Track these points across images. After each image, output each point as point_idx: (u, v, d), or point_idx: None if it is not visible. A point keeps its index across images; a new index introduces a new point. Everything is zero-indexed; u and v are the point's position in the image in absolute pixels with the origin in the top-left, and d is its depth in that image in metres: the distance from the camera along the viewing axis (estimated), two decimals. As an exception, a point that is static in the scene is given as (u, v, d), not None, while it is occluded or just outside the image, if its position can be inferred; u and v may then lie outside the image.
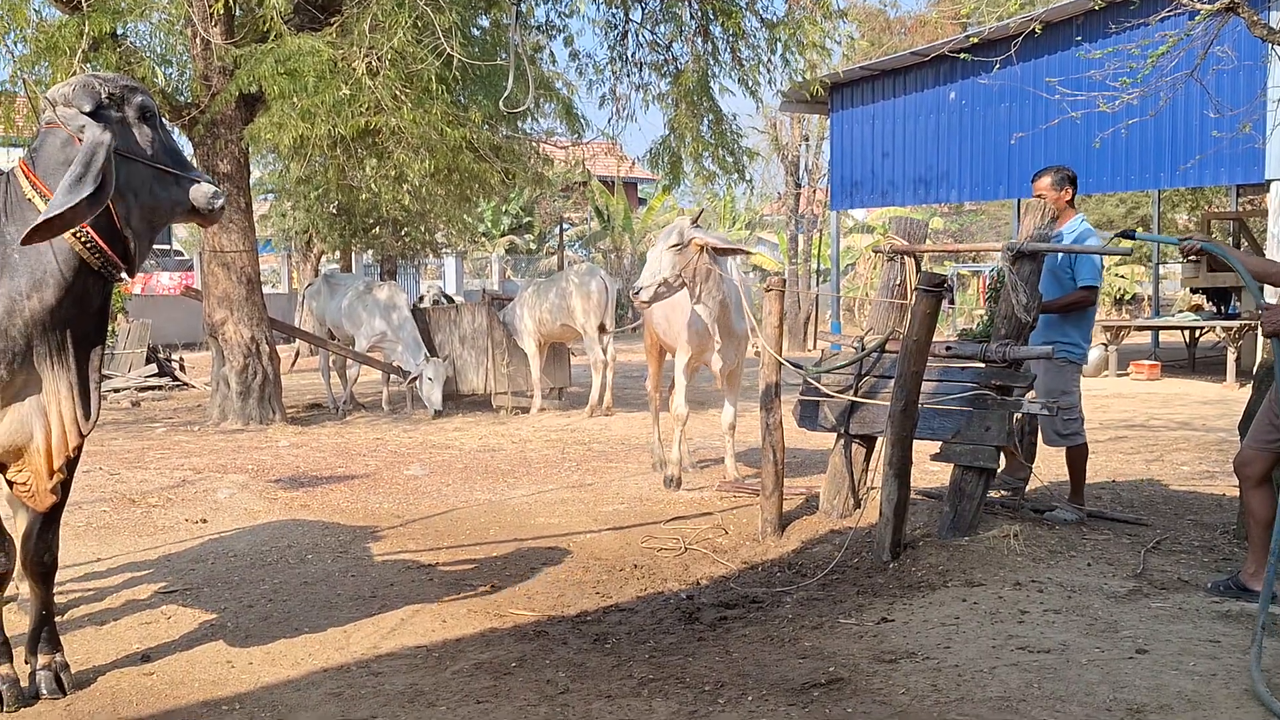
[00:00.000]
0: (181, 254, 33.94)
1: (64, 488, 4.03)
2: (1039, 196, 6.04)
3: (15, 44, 9.66)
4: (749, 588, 5.25)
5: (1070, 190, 6.16)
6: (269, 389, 11.50)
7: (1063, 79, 8.78)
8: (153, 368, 15.75)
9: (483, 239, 28.64)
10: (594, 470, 8.41)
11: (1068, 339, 6.04)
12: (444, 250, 25.85)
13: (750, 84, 11.83)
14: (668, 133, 11.97)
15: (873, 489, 5.95)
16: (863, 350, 6.01)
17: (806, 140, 25.32)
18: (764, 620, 4.68)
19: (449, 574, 5.62)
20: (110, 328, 17.02)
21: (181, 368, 16.36)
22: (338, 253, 23.31)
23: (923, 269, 6.19)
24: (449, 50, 8.59)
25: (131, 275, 3.99)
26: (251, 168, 12.42)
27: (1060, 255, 5.98)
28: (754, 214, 33.38)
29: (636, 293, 7.11)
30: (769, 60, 11.76)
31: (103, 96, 3.75)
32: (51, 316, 3.77)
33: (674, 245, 7.02)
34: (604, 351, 11.79)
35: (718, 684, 3.90)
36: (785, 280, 6.25)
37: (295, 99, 9.45)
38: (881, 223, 25.60)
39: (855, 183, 18.28)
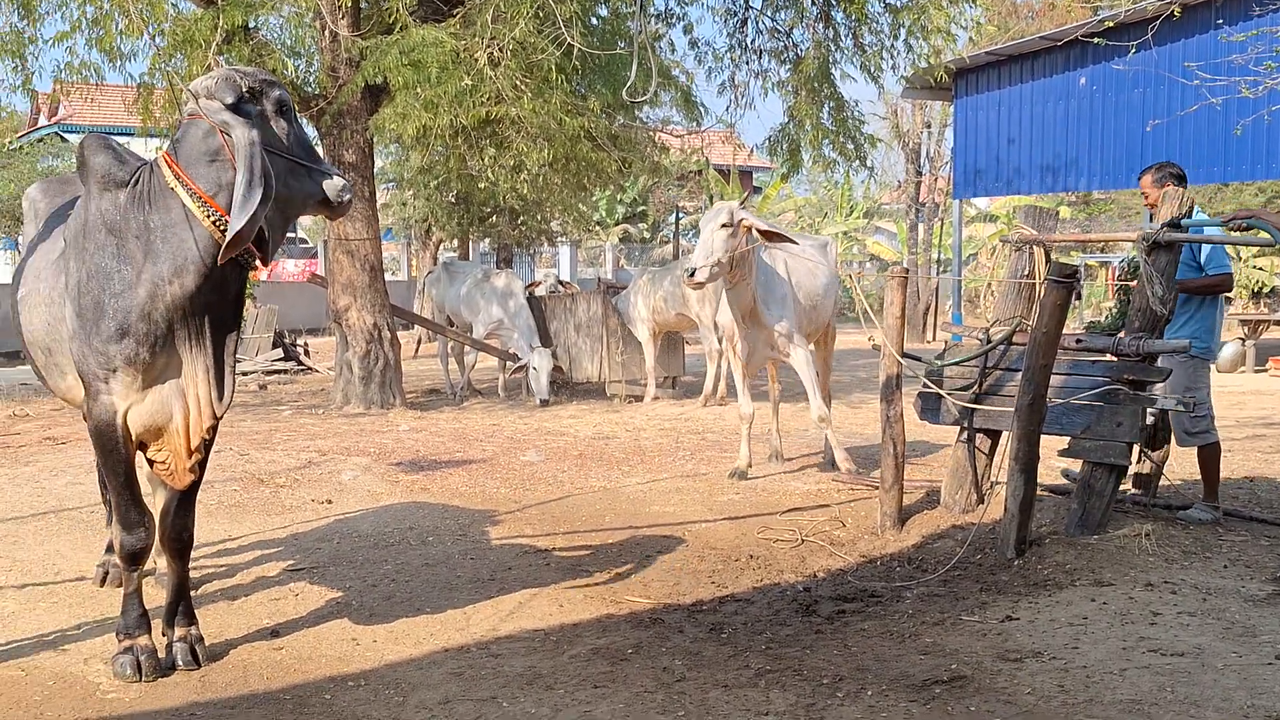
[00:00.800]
0: (306, 242, 34.90)
1: (200, 466, 4.17)
2: (1144, 194, 6.02)
3: (154, 37, 9.99)
4: (867, 582, 5.18)
5: (1171, 185, 5.82)
6: (390, 374, 11.74)
7: (1202, 64, 8.44)
8: (279, 352, 16.23)
9: (597, 228, 28.81)
10: (708, 460, 8.39)
11: (1194, 336, 5.78)
12: (559, 239, 26.08)
13: (873, 70, 11.64)
14: (787, 120, 11.86)
15: (997, 484, 5.81)
16: (988, 342, 5.87)
17: (928, 127, 24.85)
18: (883, 615, 4.62)
19: (565, 559, 5.67)
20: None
21: (306, 352, 16.82)
22: (455, 241, 23.68)
23: (1052, 259, 6.01)
24: (569, 40, 8.62)
25: (265, 264, 4.10)
26: (374, 157, 12.68)
27: (1186, 245, 5.67)
28: (872, 202, 32.92)
29: (691, 274, 7.09)
30: (892, 45, 11.56)
31: (244, 90, 3.87)
32: (191, 301, 3.90)
33: (724, 225, 7.03)
34: (719, 341, 11.74)
35: (836, 677, 3.86)
36: (908, 270, 6.12)
37: (419, 89, 9.61)
38: (1005, 211, 25.00)
39: (979, 170, 17.87)
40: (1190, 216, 5.45)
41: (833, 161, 12.24)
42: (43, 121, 31.91)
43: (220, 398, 4.06)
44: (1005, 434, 5.58)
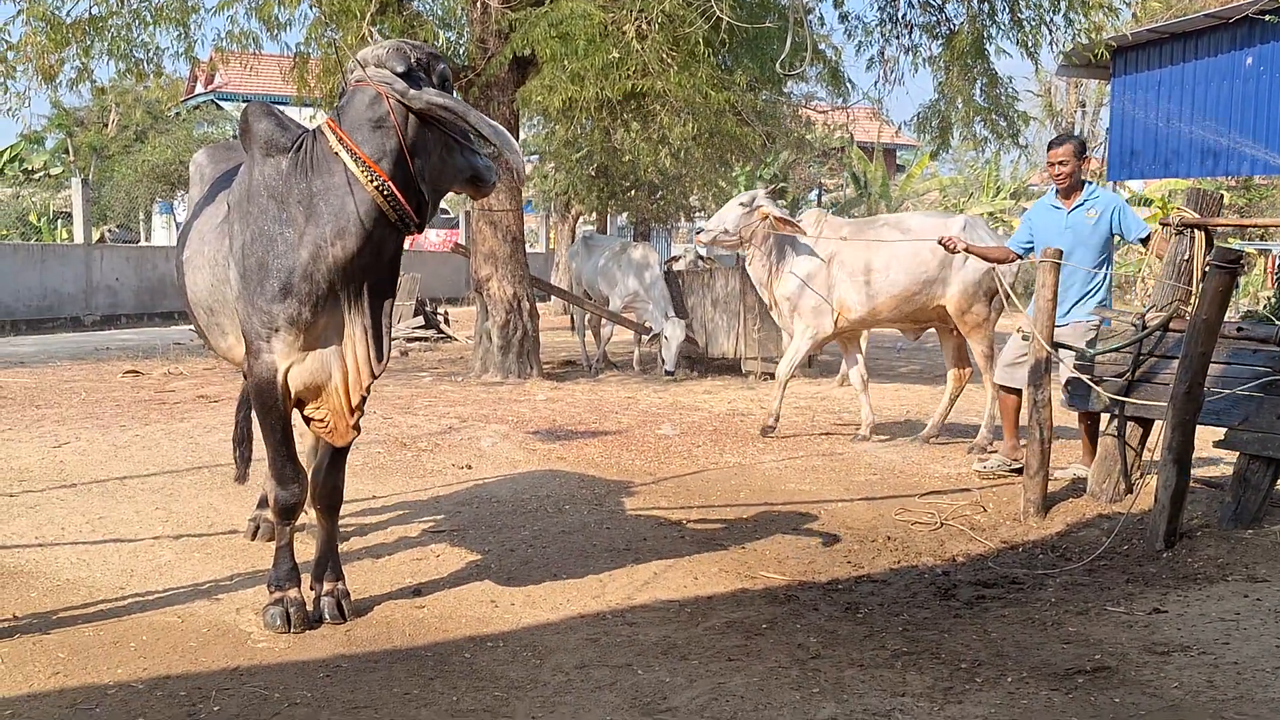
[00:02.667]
0: (448, 212, 35.57)
1: (358, 426, 4.29)
2: (1059, 163, 6.40)
3: (312, 7, 10.28)
4: (1009, 568, 5.06)
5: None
6: (528, 344, 11.92)
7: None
8: (420, 320, 16.62)
9: (736, 204, 28.71)
10: (844, 439, 8.30)
11: None
12: (696, 214, 26.04)
13: (1029, 46, 11.26)
14: (937, 97, 11.58)
15: (1147, 474, 5.61)
16: (1143, 328, 5.65)
17: (1083, 106, 23.99)
18: (1024, 602, 4.51)
19: (700, 532, 5.68)
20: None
21: (446, 321, 17.19)
22: (594, 214, 23.84)
23: (1215, 244, 5.75)
24: (718, 13, 8.56)
25: (421, 230, 4.19)
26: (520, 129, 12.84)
27: (1101, 219, 6.29)
28: (1020, 183, 31.94)
29: (699, 232, 8.32)
30: (1051, 20, 11.16)
31: (413, 61, 3.95)
32: (351, 264, 4.01)
33: (743, 204, 8.21)
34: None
35: (974, 662, 3.79)
36: (1061, 251, 5.94)
37: (566, 62, 9.67)
38: (1160, 195, 23.98)
39: (1134, 152, 17.16)
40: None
41: (983, 140, 11.91)
42: (199, 89, 33.15)
43: (379, 358, 4.17)
44: (1158, 423, 5.37)
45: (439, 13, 11.64)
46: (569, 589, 4.74)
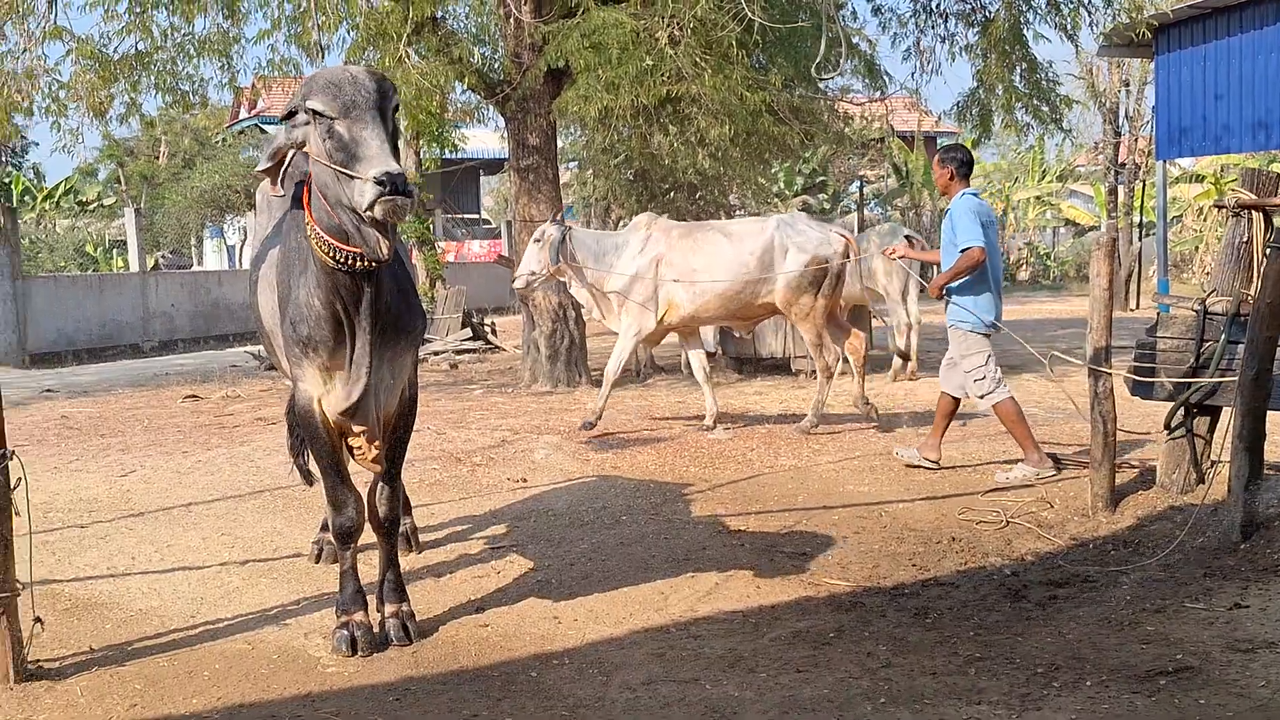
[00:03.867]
0: (489, 223, 35.74)
1: (388, 457, 4.33)
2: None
3: (350, 31, 10.37)
4: (1080, 566, 4.97)
5: (953, 169, 6.93)
6: (576, 353, 11.92)
7: None
8: (468, 332, 16.67)
9: (776, 200, 28.53)
10: (901, 437, 8.20)
11: None
12: (737, 212, 25.95)
13: (1068, 29, 11.09)
14: (976, 85, 11.44)
15: (1218, 462, 5.49)
16: (1204, 314, 5.53)
17: (1126, 86, 23.60)
18: (1098, 601, 4.42)
19: (759, 539, 5.63)
20: (430, 294, 18.17)
21: (493, 331, 17.24)
22: (634, 217, 23.81)
23: (1274, 225, 5.61)
24: (750, 15, 8.52)
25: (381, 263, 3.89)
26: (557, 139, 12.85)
27: (945, 225, 6.94)
28: (1066, 165, 31.56)
29: (514, 281, 9.26)
30: (1089, 1, 10.99)
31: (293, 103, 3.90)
32: (333, 307, 3.99)
33: (537, 240, 8.78)
34: (907, 314, 11.47)
35: (1051, 666, 3.72)
36: (1115, 239, 5.82)
37: (600, 71, 9.67)
38: (1212, 171, 23.57)
39: (1183, 129, 16.87)
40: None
41: (1026, 126, 11.76)
42: (243, 115, 33.57)
43: (364, 396, 4.05)
44: (1227, 410, 5.26)
45: (472, 30, 11.68)
46: (631, 602, 4.71)
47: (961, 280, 6.74)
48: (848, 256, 8.74)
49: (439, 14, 10.71)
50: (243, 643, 4.32)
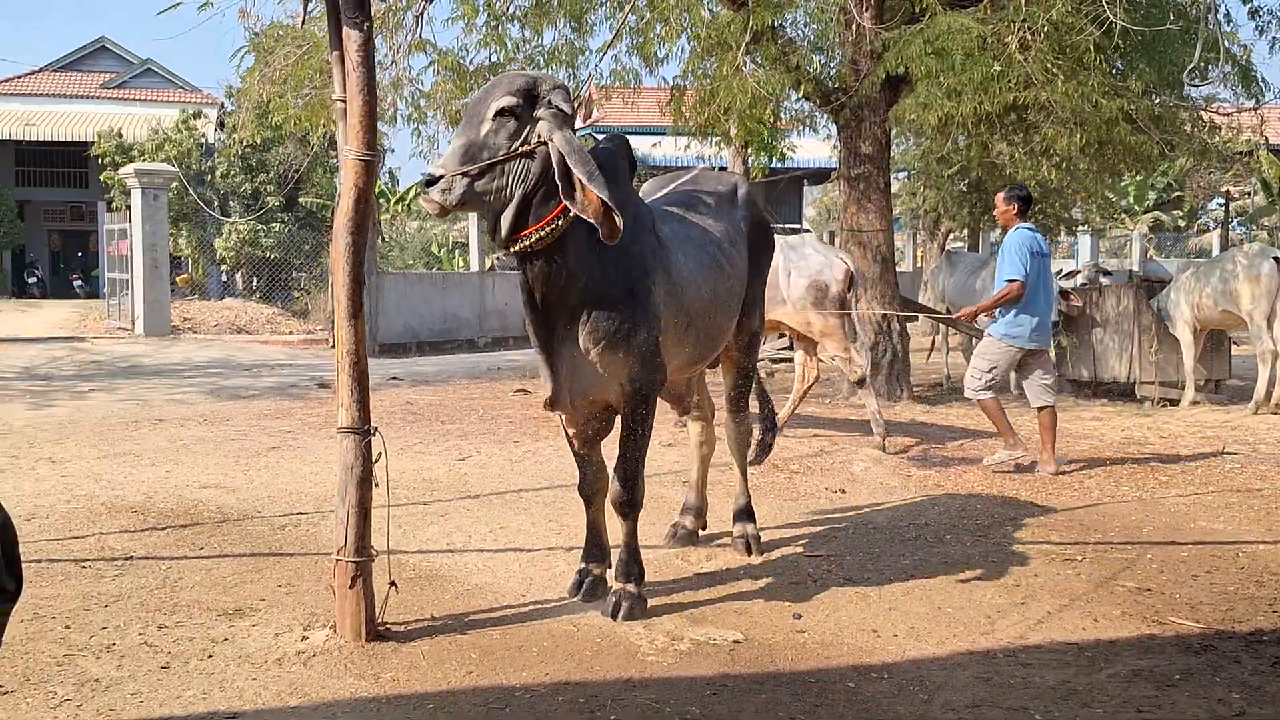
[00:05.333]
0: (810, 232, 35.64)
1: (623, 450, 4.56)
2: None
3: (688, 42, 10.61)
4: None
5: (1017, 205, 7.83)
6: (898, 366, 11.66)
7: None
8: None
9: (1124, 215, 26.78)
10: (1262, 475, 7.50)
11: None
12: (1079, 228, 24.58)
13: None
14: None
15: None
16: None
17: None
18: None
19: (1097, 571, 5.28)
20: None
21: (814, 342, 17.11)
22: (965, 230, 23.07)
23: None
24: (1111, 18, 8.02)
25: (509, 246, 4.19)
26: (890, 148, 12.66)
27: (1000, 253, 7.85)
28: None
29: None
30: None
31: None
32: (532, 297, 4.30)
33: None
34: (1274, 341, 10.47)
35: None
36: None
37: (941, 78, 9.42)
38: None
39: None
40: None
41: None
42: (579, 125, 35.18)
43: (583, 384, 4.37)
44: None
45: (811, 38, 11.66)
46: (955, 623, 4.54)
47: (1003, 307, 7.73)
48: (849, 283, 8.98)
49: (779, 23, 10.77)
50: (568, 624, 4.48)
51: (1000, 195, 8.08)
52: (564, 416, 4.64)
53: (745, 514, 5.63)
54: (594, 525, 4.87)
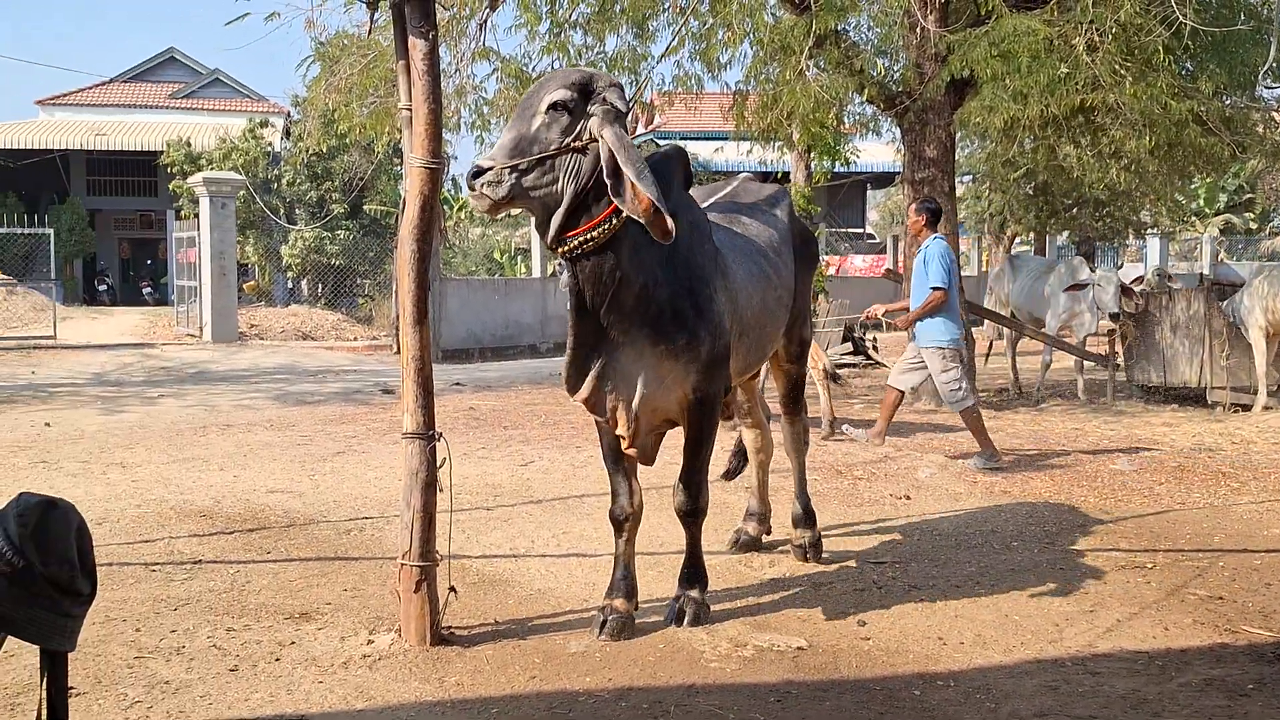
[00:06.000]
0: (874, 237, 35.42)
1: (687, 458, 4.58)
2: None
3: (753, 46, 10.58)
4: None
5: (927, 216, 8.47)
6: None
7: None
8: (849, 345, 16.56)
9: (1193, 218, 26.25)
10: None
11: None
12: (1147, 231, 24.16)
13: None
14: None
15: None
16: None
17: None
18: None
19: (1168, 578, 5.19)
20: (812, 307, 18.24)
21: (874, 347, 17.02)
22: (1031, 234, 22.80)
23: None
24: (1181, 19, 7.88)
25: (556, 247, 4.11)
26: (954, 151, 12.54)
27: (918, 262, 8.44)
28: None
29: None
30: None
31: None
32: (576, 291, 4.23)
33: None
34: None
35: None
36: None
37: (1007, 80, 9.32)
38: None
39: None
40: None
41: None
42: (640, 130, 35.22)
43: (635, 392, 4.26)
44: None
45: (874, 41, 11.59)
46: (1022, 631, 4.48)
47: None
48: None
49: (842, 27, 10.72)
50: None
51: (911, 207, 8.77)
52: (600, 427, 4.50)
53: (804, 519, 5.60)
54: (623, 556, 4.58)
